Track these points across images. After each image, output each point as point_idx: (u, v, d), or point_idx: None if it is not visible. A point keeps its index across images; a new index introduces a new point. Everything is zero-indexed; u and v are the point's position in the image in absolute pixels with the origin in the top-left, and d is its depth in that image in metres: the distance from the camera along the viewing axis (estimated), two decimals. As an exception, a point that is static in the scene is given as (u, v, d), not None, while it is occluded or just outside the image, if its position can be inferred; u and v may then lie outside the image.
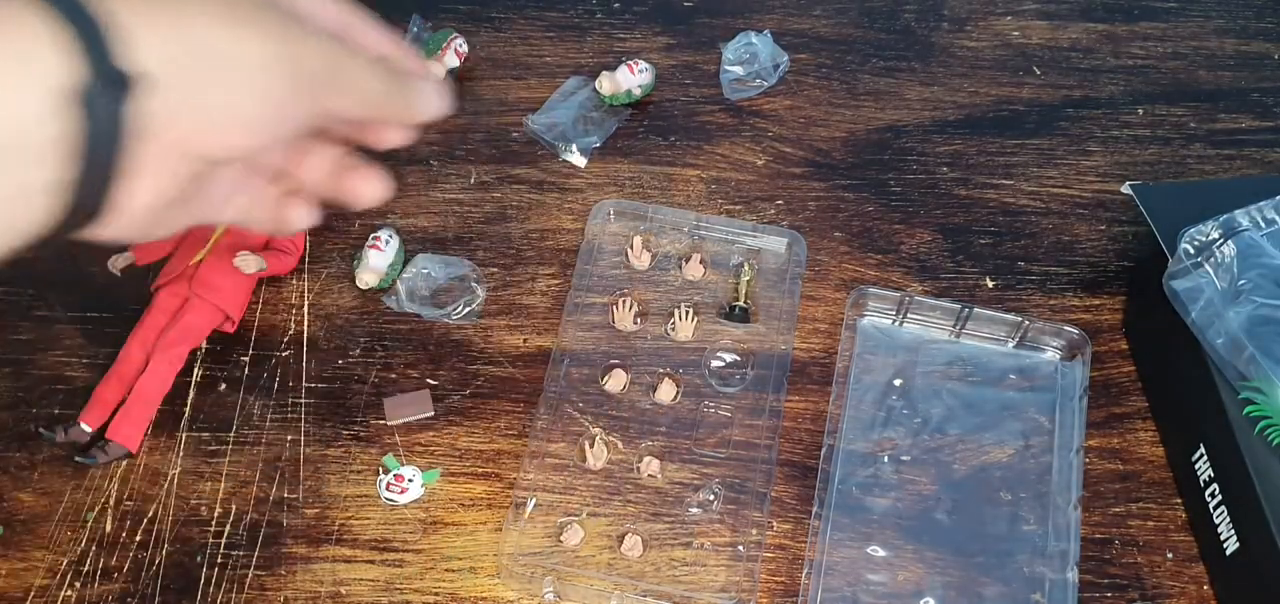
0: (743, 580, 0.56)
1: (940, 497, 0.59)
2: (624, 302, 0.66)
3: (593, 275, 0.67)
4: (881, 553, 0.58)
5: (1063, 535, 0.57)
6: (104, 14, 0.31)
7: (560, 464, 0.60)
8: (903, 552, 0.58)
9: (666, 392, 0.63)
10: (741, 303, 0.66)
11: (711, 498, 0.59)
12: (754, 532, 0.58)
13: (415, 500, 0.59)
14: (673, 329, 0.65)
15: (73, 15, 0.31)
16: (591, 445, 0.60)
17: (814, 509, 0.58)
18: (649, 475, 0.60)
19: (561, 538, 0.57)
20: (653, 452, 0.60)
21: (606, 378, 0.63)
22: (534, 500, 0.58)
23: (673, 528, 0.58)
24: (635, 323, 0.65)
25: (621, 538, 0.57)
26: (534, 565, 0.56)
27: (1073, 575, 0.55)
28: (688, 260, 0.68)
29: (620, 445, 0.61)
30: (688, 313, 0.65)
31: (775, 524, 0.59)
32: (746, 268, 0.67)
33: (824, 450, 0.60)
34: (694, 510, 0.59)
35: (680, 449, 0.61)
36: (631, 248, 0.68)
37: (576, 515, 0.58)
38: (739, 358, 0.64)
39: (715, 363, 0.64)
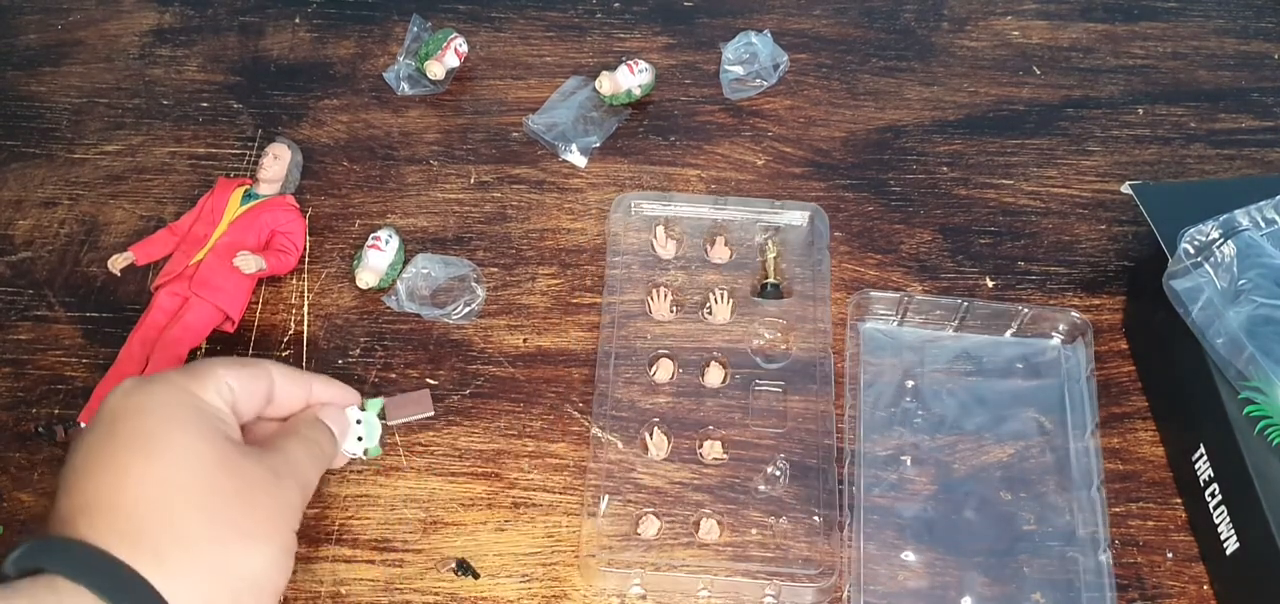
0: (826, 555, 0.57)
1: (967, 493, 0.59)
2: (658, 292, 0.66)
3: (622, 269, 0.67)
4: (912, 558, 0.58)
5: (1090, 519, 0.57)
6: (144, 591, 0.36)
7: (623, 459, 0.60)
8: (934, 554, 0.58)
9: (715, 375, 0.63)
10: (772, 280, 0.66)
11: (778, 473, 0.59)
12: (824, 498, 0.58)
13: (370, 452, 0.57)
14: (710, 313, 0.66)
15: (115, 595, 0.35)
16: (651, 436, 0.61)
17: (839, 517, 0.58)
18: (713, 459, 0.60)
19: (638, 530, 0.58)
20: (712, 435, 0.61)
21: (654, 369, 0.63)
22: (607, 499, 0.59)
23: (746, 507, 0.59)
24: (672, 312, 0.66)
25: (697, 523, 0.58)
26: (619, 563, 0.56)
27: (1105, 558, 0.55)
28: (713, 244, 0.68)
29: (680, 433, 0.61)
30: (723, 295, 0.66)
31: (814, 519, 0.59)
32: (770, 245, 0.67)
33: (845, 456, 0.60)
34: (762, 488, 0.59)
35: (739, 429, 0.61)
36: (656, 238, 0.68)
37: (650, 506, 0.59)
38: (779, 333, 0.65)
39: (757, 341, 0.64)
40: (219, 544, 0.39)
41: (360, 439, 0.57)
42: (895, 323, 0.65)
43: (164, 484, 0.39)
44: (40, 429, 0.61)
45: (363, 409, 0.54)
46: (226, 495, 0.40)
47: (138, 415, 0.40)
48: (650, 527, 0.58)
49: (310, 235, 0.69)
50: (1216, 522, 0.55)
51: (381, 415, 0.56)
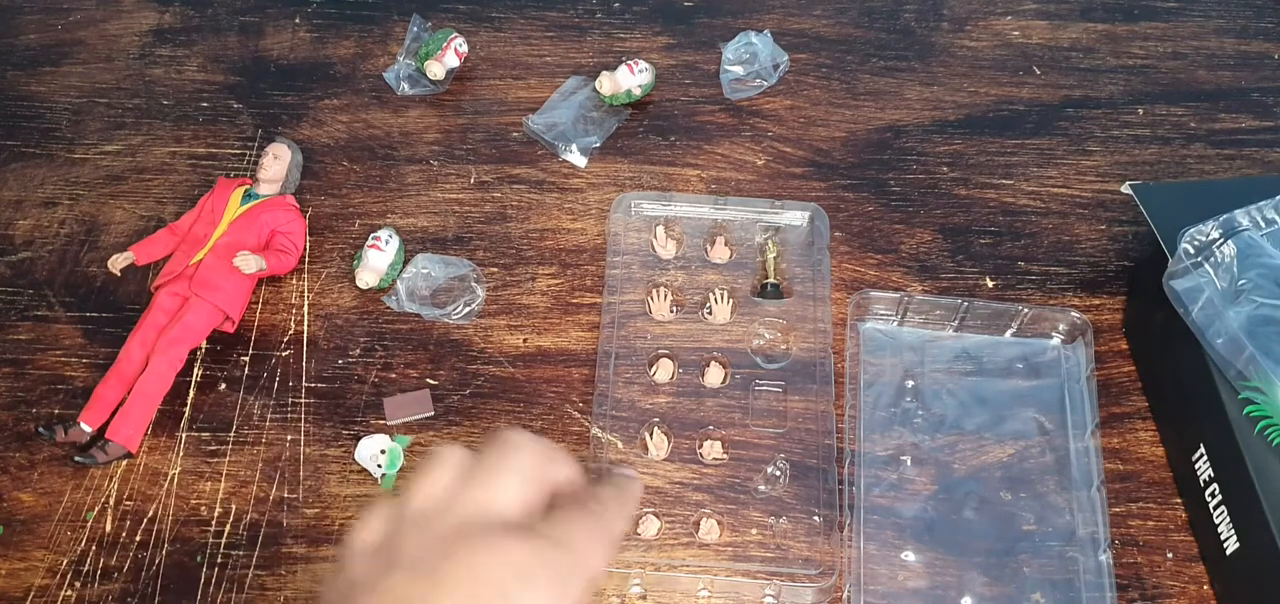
0: (826, 555, 0.57)
1: (967, 492, 0.59)
2: (658, 292, 0.66)
3: (622, 269, 0.67)
4: (912, 558, 0.58)
5: (1090, 519, 0.57)
6: None
7: (622, 459, 0.60)
8: (934, 554, 0.58)
9: (715, 375, 0.63)
10: (772, 280, 0.66)
11: (778, 473, 0.60)
12: (824, 498, 0.58)
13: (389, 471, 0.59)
14: (710, 313, 0.66)
15: None
16: (651, 436, 0.61)
17: (839, 517, 0.58)
18: (713, 459, 0.60)
19: (638, 530, 0.58)
20: (712, 435, 0.61)
21: (654, 368, 0.63)
22: None
23: (746, 507, 0.59)
24: (672, 312, 0.66)
25: (697, 523, 0.58)
26: (619, 563, 0.56)
27: (1105, 558, 0.55)
28: (713, 244, 0.68)
29: (680, 433, 0.61)
30: (723, 296, 0.66)
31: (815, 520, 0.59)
32: (770, 245, 0.67)
33: (845, 456, 0.60)
34: (762, 488, 0.59)
35: (739, 429, 0.62)
36: (656, 238, 0.68)
37: (650, 506, 0.59)
38: (779, 333, 0.65)
39: (757, 341, 0.65)
40: None
41: (380, 466, 0.59)
42: (895, 323, 0.65)
43: None
44: (40, 429, 0.61)
45: (393, 438, 0.55)
46: None
47: (500, 569, 0.31)
48: (650, 527, 0.58)
49: (310, 235, 0.69)
50: (1216, 522, 0.55)
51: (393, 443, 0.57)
